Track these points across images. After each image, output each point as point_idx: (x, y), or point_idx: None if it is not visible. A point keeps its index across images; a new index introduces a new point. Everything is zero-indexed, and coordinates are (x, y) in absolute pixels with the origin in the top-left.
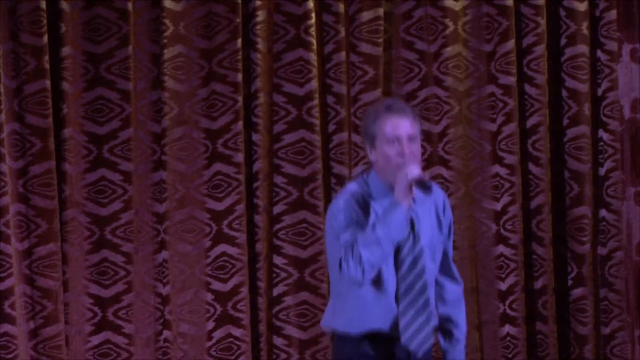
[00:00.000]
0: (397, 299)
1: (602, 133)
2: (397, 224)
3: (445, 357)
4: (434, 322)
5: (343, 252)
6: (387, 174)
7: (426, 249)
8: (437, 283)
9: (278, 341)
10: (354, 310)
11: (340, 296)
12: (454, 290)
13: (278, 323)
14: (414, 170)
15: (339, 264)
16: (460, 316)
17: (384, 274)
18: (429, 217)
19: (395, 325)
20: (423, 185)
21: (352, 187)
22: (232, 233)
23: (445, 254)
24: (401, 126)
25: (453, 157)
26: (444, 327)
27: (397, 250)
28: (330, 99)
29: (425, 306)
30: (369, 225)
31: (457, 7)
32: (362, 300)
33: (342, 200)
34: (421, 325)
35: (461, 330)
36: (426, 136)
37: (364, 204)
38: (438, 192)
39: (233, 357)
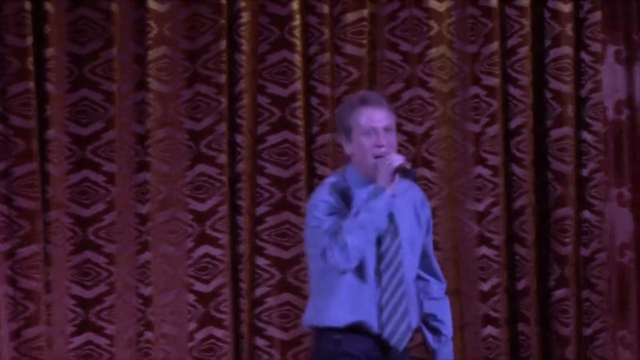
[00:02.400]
0: (379, 293)
1: (585, 134)
2: (381, 210)
3: (434, 357)
4: (414, 317)
5: (327, 240)
6: (365, 165)
7: (405, 242)
8: (421, 279)
9: (260, 342)
10: (337, 302)
11: (322, 290)
12: (438, 287)
13: (260, 324)
14: (397, 158)
15: (323, 253)
16: (446, 314)
17: (367, 264)
18: (408, 211)
19: (377, 318)
20: (406, 172)
21: (330, 180)
22: (214, 234)
23: (425, 251)
24: (377, 117)
25: (436, 158)
26: (431, 325)
27: (378, 243)
28: (314, 100)
29: (402, 299)
30: (351, 212)
31: (441, 8)
32: (346, 291)
33: (323, 190)
34: (400, 319)
35: (448, 328)
36: (410, 137)
37: (343, 195)
38: (416, 189)
39: (215, 358)
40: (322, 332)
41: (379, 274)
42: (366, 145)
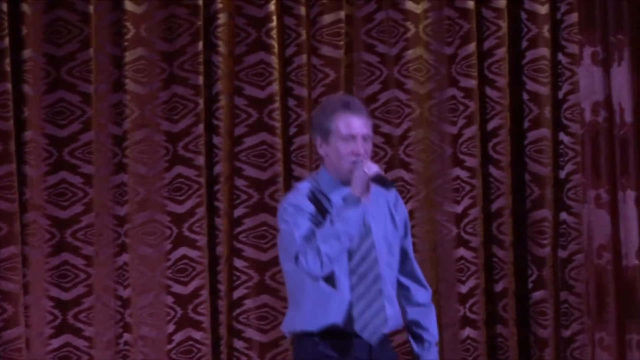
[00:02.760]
0: (352, 291)
1: (563, 136)
2: (355, 220)
3: None
4: (392, 315)
5: (300, 246)
6: (339, 169)
7: (381, 242)
8: (403, 286)
9: (238, 344)
10: (310, 307)
11: (294, 295)
12: (422, 294)
13: (238, 326)
14: (372, 167)
15: (296, 258)
16: (430, 321)
17: (336, 269)
18: (382, 211)
19: (351, 318)
20: (383, 181)
21: (302, 185)
22: (192, 236)
23: (406, 254)
24: (357, 125)
25: (414, 160)
26: (414, 332)
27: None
28: (291, 102)
29: (378, 295)
30: (327, 219)
31: (418, 10)
32: (318, 295)
33: (294, 195)
34: (375, 314)
35: (432, 334)
36: (387, 139)
37: (315, 200)
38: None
39: None
40: (300, 337)
41: (349, 273)
42: (343, 152)
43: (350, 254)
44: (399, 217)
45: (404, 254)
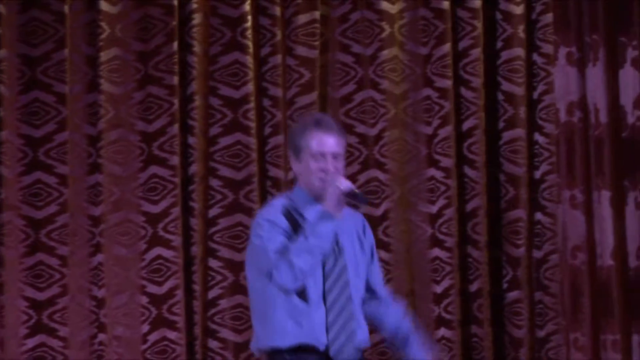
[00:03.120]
0: (325, 312)
1: (537, 136)
2: (327, 235)
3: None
4: (362, 337)
5: (274, 260)
6: (310, 186)
7: (349, 264)
8: (377, 303)
9: (213, 344)
10: (282, 323)
11: (263, 312)
12: (396, 310)
13: (213, 326)
14: (345, 183)
15: (269, 273)
16: (402, 321)
17: (309, 287)
18: (351, 234)
19: (322, 338)
20: (355, 196)
21: (276, 201)
22: (167, 236)
23: (375, 276)
24: (327, 143)
25: (389, 160)
26: (398, 339)
27: (322, 264)
28: (266, 102)
29: (350, 319)
30: (301, 234)
31: (393, 10)
32: (290, 311)
33: (268, 211)
34: (348, 339)
35: (409, 329)
36: (362, 139)
37: (289, 216)
38: (357, 215)
39: None
40: (270, 355)
41: (324, 294)
42: (313, 168)
43: (325, 274)
44: (367, 243)
45: (375, 276)
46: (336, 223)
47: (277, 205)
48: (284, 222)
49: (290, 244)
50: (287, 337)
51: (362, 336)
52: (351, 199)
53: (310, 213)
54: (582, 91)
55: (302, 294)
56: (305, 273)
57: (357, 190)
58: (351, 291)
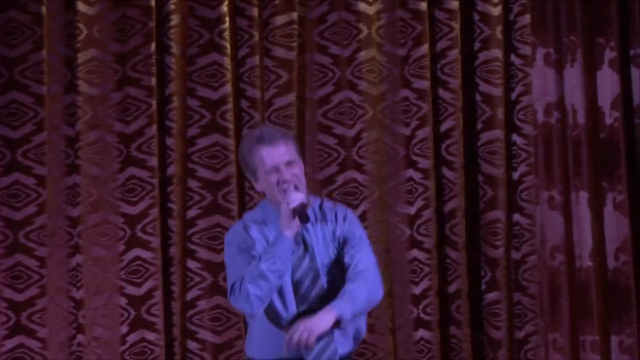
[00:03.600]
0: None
1: (515, 137)
2: (283, 256)
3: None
4: (342, 344)
5: (235, 284)
6: (275, 201)
7: (320, 265)
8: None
9: (192, 345)
10: (259, 339)
11: (249, 324)
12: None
13: (192, 327)
14: (295, 199)
15: (230, 293)
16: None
17: (277, 304)
18: (323, 234)
19: (297, 353)
20: (301, 215)
21: (247, 215)
22: (145, 237)
23: (349, 259)
24: (276, 155)
25: (367, 161)
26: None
27: (293, 268)
28: (244, 103)
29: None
30: (256, 258)
31: (371, 11)
32: (262, 328)
33: (235, 230)
34: (325, 346)
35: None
36: (340, 140)
37: (260, 230)
38: (339, 208)
39: None
40: None
41: (297, 303)
42: (272, 182)
43: (297, 283)
44: (341, 231)
45: (352, 265)
46: (298, 234)
47: (247, 220)
48: (249, 241)
49: (247, 270)
50: (263, 352)
51: (344, 340)
52: (298, 217)
53: (275, 229)
54: (559, 92)
55: (268, 314)
56: (262, 298)
57: (305, 207)
58: (327, 293)
